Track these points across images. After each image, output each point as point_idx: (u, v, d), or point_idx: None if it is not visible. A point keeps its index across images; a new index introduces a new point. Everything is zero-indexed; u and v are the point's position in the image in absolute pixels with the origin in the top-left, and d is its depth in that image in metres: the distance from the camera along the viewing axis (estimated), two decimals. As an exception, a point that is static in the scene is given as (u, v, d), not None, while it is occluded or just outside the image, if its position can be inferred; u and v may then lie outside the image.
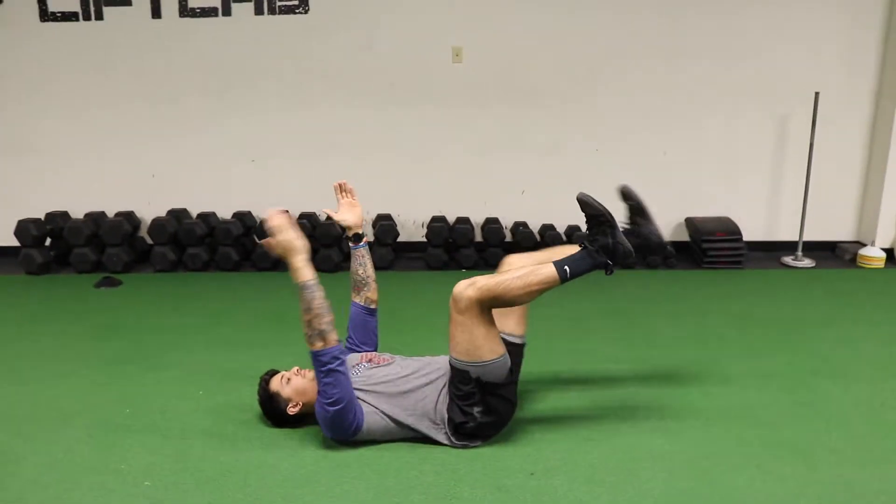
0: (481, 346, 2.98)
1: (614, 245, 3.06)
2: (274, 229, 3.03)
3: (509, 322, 3.27)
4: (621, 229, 3.25)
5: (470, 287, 2.94)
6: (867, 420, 3.36)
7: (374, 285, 3.64)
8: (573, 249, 3.24)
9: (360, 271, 3.63)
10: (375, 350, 3.61)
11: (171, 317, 5.10)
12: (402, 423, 3.12)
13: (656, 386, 3.77)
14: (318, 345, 2.98)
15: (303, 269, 3.01)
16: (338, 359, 2.99)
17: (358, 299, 3.63)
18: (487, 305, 2.98)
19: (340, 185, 3.74)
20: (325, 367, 2.97)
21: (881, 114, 6.45)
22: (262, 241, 3.15)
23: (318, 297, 2.99)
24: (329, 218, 3.77)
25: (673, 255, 3.43)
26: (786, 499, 2.71)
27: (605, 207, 3.09)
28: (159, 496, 2.78)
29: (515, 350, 3.22)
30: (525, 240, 6.35)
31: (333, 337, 3.00)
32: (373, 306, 3.64)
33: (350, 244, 3.68)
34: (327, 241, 6.27)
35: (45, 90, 6.62)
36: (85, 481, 2.89)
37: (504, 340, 3.16)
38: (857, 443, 3.14)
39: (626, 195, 3.45)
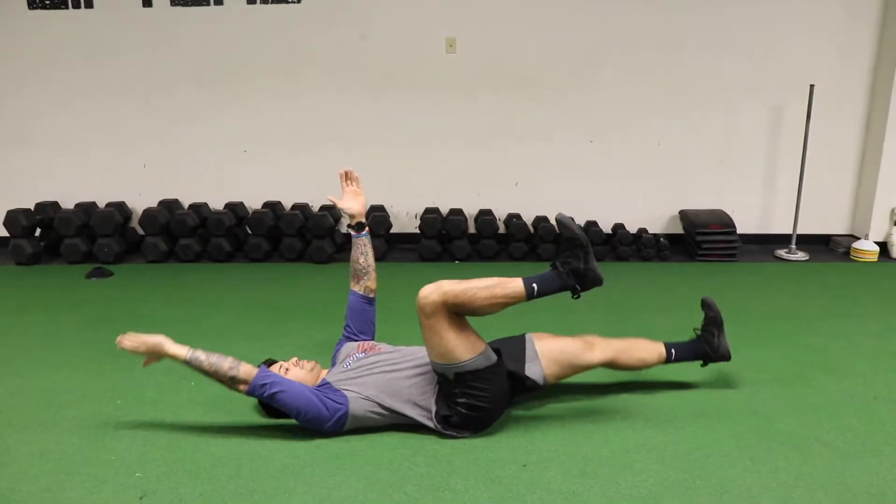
0: (456, 348, 2.97)
1: (585, 270, 3.08)
2: (134, 352, 3.06)
3: (554, 369, 3.31)
4: (699, 334, 3.59)
5: (435, 292, 2.94)
6: (860, 413, 3.37)
7: (373, 274, 3.66)
8: (651, 345, 3.52)
9: (361, 260, 3.64)
10: (373, 339, 3.62)
11: (162, 308, 5.08)
12: (390, 407, 3.12)
13: (649, 378, 3.76)
14: (241, 387, 3.01)
15: (176, 352, 3.03)
16: (265, 384, 3.00)
17: (357, 288, 3.65)
18: (452, 310, 2.97)
19: (346, 173, 3.75)
20: (263, 396, 3.02)
21: (875, 107, 6.46)
22: (143, 364, 3.14)
23: (203, 359, 3.01)
24: (333, 205, 3.76)
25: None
26: (778, 491, 2.71)
27: (582, 232, 3.10)
28: (151, 487, 2.76)
29: (531, 386, 3.28)
30: (518, 231, 6.34)
31: (244, 371, 3.01)
32: (371, 295, 3.66)
33: (352, 233, 3.68)
34: (320, 232, 6.26)
35: (33, 79, 6.60)
36: (76, 472, 2.87)
37: (526, 375, 3.23)
38: (849, 436, 3.15)
39: (708, 306, 3.60)
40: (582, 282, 3.08)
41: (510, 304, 3.03)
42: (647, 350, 3.52)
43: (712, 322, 3.57)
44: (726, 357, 3.57)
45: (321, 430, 3.08)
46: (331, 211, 6.44)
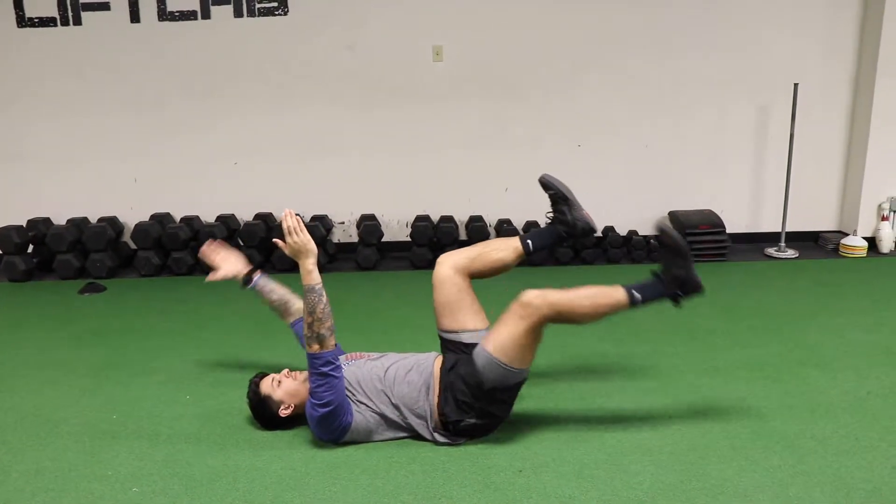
0: (518, 354, 3.00)
1: (687, 278, 3.09)
2: (287, 231, 3.05)
3: (465, 318, 3.33)
4: (551, 219, 3.52)
5: (539, 298, 2.95)
6: (854, 409, 3.38)
7: (292, 297, 3.67)
8: (509, 242, 3.47)
9: (274, 297, 3.68)
10: (341, 352, 3.62)
11: (156, 321, 5.07)
12: (387, 416, 3.13)
13: (644, 380, 3.79)
14: (315, 348, 2.98)
15: (312, 272, 3.04)
16: (332, 363, 2.99)
17: (291, 318, 3.66)
18: (550, 320, 2.99)
19: (205, 252, 3.79)
20: (319, 370, 2.97)
21: (859, 103, 6.50)
22: (275, 241, 3.17)
23: (322, 301, 3.01)
24: (213, 280, 3.74)
25: (595, 234, 3.45)
26: (774, 490, 2.72)
27: (684, 241, 3.11)
28: (148, 502, 2.76)
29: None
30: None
31: (331, 342, 3.00)
32: None
33: (247, 287, 3.70)
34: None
35: (24, 96, 6.59)
36: (72, 488, 2.87)
37: (465, 340, 3.28)
38: (843, 432, 3.16)
39: (546, 185, 3.51)
40: (683, 289, 3.11)
41: (612, 314, 3.08)
42: (502, 249, 3.48)
43: (557, 200, 3.49)
44: (588, 228, 3.48)
45: (325, 431, 3.08)
46: (322, 221, 6.44)
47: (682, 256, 3.08)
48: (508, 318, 3.00)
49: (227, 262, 3.74)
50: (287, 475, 2.93)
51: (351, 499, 2.75)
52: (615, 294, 3.05)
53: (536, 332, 2.99)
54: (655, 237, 3.20)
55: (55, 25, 6.44)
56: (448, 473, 2.91)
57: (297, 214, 3.09)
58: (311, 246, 3.06)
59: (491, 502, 2.71)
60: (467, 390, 3.05)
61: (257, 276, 3.69)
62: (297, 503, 2.73)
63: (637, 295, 3.05)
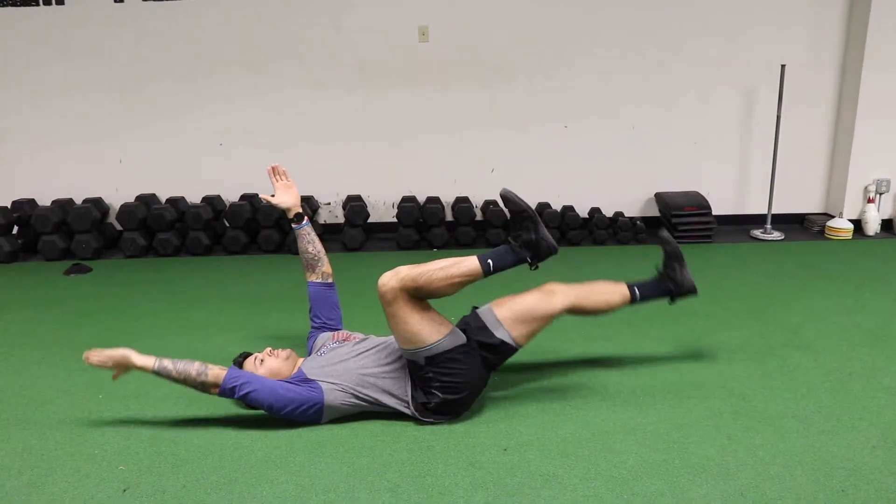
0: (420, 331, 2.99)
1: (537, 240, 3.11)
2: (101, 367, 3.06)
3: (520, 329, 3.23)
4: (661, 271, 3.53)
5: (393, 278, 2.96)
6: (836, 390, 3.41)
7: (325, 258, 3.70)
8: (614, 286, 3.44)
9: (310, 248, 3.67)
10: (341, 323, 3.63)
11: (142, 302, 5.06)
12: (364, 397, 3.13)
13: (628, 360, 3.80)
14: (213, 391, 3.03)
15: (144, 364, 3.03)
16: (235, 386, 3.01)
17: (314, 277, 3.66)
18: (412, 295, 2.99)
19: (273, 169, 3.80)
20: (235, 396, 3.02)
21: (847, 86, 6.51)
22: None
23: (171, 368, 3.02)
24: (268, 203, 3.76)
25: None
26: (756, 468, 2.75)
27: (527, 204, 3.13)
28: (134, 480, 2.77)
29: (507, 349, 3.22)
30: (495, 218, 6.36)
31: (213, 374, 3.01)
32: (330, 280, 3.69)
33: (293, 225, 3.71)
34: (268, 223, 6.33)
35: (6, 77, 6.54)
36: (59, 467, 2.88)
37: (499, 339, 3.17)
38: (825, 412, 3.19)
39: (665, 241, 3.55)
40: (536, 251, 3.11)
41: (468, 282, 3.05)
42: (610, 292, 3.45)
43: (672, 257, 3.53)
44: (692, 290, 3.54)
45: (300, 421, 3.11)
46: (308, 202, 6.43)
47: (530, 220, 3.10)
48: (386, 314, 3.02)
49: (287, 192, 3.77)
50: (272, 453, 2.94)
51: (336, 477, 2.76)
52: (468, 263, 3.05)
53: (412, 306, 2.99)
54: (504, 203, 3.19)
55: (37, 5, 6.38)
56: (433, 452, 2.92)
57: (100, 353, 3.07)
58: (119, 354, 3.04)
59: (475, 480, 2.72)
60: (418, 375, 3.09)
61: (307, 221, 3.73)
62: (283, 481, 2.74)
63: (489, 262, 3.06)
